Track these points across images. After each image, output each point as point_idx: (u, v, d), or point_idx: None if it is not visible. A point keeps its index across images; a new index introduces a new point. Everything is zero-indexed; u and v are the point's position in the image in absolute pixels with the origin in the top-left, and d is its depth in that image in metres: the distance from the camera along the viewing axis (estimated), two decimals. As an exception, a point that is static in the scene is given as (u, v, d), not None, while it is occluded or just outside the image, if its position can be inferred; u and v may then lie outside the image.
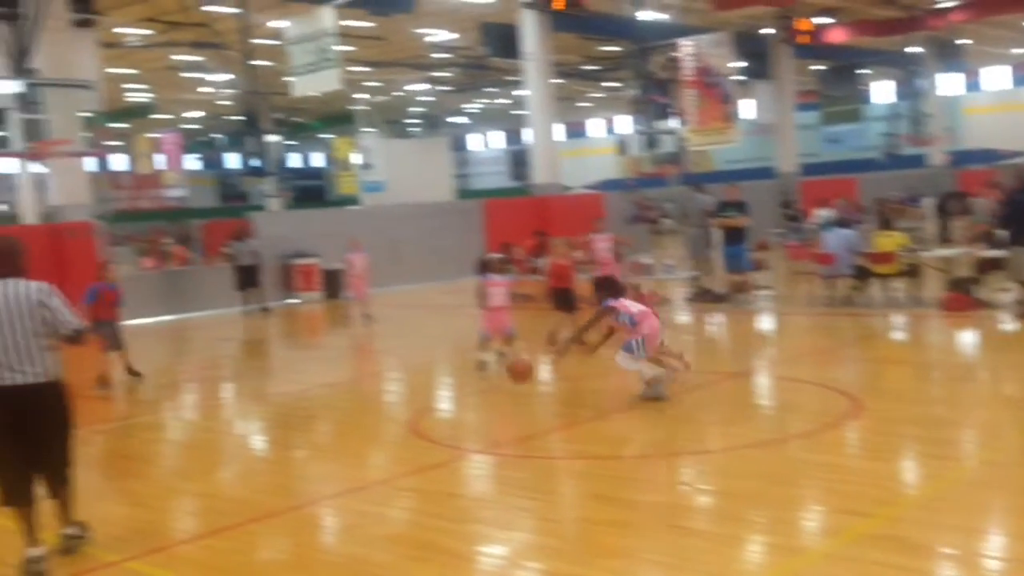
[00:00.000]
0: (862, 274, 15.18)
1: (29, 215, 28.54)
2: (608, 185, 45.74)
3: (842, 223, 16.75)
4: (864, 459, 7.33)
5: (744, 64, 31.84)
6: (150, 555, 5.91)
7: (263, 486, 7.56)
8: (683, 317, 16.58)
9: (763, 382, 10.83)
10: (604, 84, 45.63)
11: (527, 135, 31.40)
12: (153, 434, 10.12)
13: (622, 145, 39.51)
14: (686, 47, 26.94)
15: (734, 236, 16.19)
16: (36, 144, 16.55)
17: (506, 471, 7.54)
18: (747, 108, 35.75)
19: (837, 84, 40.17)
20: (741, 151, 37.20)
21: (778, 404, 9.64)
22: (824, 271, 15.62)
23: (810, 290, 16.49)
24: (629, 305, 9.42)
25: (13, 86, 16.58)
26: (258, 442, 9.70)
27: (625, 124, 48.85)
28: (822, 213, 21.54)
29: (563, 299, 13.08)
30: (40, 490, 5.78)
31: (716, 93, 26.26)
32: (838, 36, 35.03)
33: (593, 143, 59.54)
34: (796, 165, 35.41)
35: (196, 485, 7.77)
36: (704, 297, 16.99)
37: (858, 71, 40.58)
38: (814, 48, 34.51)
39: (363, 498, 6.95)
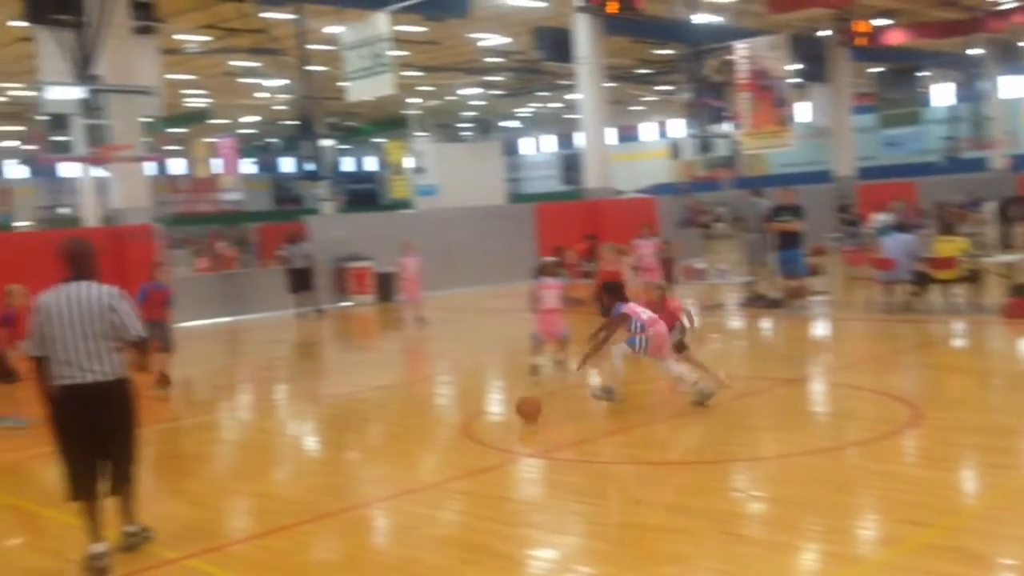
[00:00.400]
0: (922, 280, 14.90)
1: (91, 218, 29.22)
2: (660, 189, 45.44)
3: (901, 228, 16.46)
4: (923, 468, 7.19)
5: (800, 67, 31.45)
6: (207, 553, 6.00)
7: (317, 487, 7.63)
8: (737, 322, 16.43)
9: (819, 388, 10.68)
10: (657, 88, 45.39)
11: (579, 139, 31.35)
12: (209, 434, 10.27)
13: (675, 149, 39.21)
14: (741, 50, 26.71)
15: (790, 241, 15.99)
16: (99, 149, 16.89)
17: (558, 475, 7.52)
18: (803, 111, 35.30)
19: (896, 87, 39.49)
20: (796, 155, 36.76)
21: (834, 411, 9.50)
22: (883, 276, 15.37)
23: (868, 296, 16.23)
24: (640, 312, 9.40)
25: (77, 92, 16.93)
26: (312, 443, 9.79)
27: (678, 128, 48.56)
28: (880, 217, 21.20)
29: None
30: (104, 487, 5.89)
31: (771, 96, 25.98)
32: (897, 38, 34.45)
33: (645, 147, 59.24)
34: (853, 169, 34.88)
35: (251, 485, 7.87)
36: (758, 302, 16.81)
37: (917, 73, 39.87)
38: (872, 50, 33.98)
39: (415, 500, 6.98)
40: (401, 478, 7.70)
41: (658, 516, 6.18)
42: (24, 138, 47.49)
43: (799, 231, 15.99)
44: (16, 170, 52.77)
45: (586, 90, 25.67)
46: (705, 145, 29.82)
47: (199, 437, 10.02)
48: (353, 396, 11.54)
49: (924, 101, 45.32)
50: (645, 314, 9.36)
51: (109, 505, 5.98)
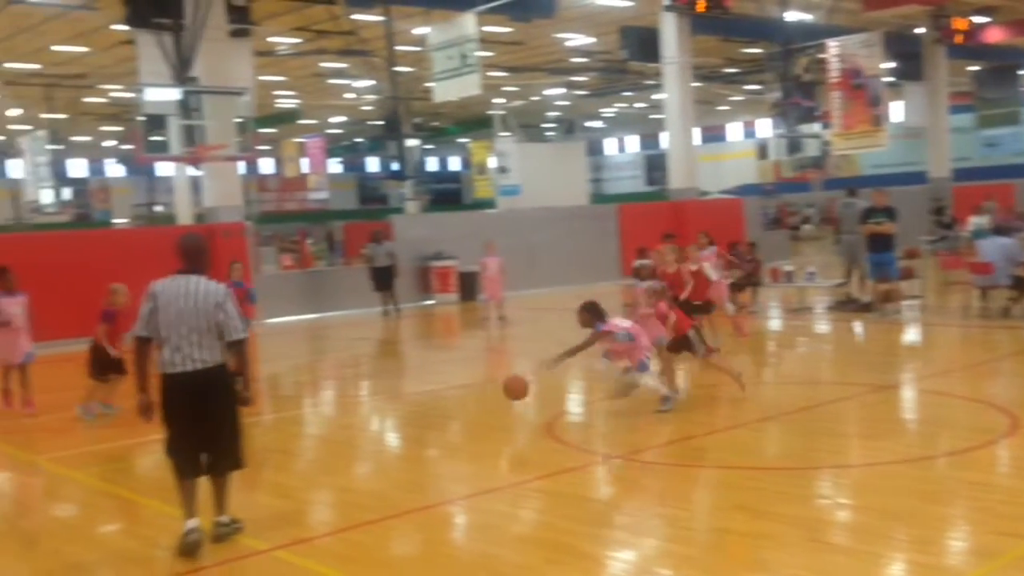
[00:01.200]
0: (1021, 285, 14.38)
1: (184, 216, 30.10)
2: (746, 190, 44.83)
3: (1000, 231, 15.90)
4: (1022, 479, 6.94)
5: (894, 65, 30.64)
6: (295, 545, 6.11)
7: (399, 483, 7.72)
8: (825, 327, 16.09)
9: (910, 396, 10.39)
10: (744, 87, 44.73)
11: (664, 139, 31.07)
12: (296, 428, 10.48)
13: (762, 149, 38.59)
14: (833, 48, 26.16)
15: (882, 243, 15.58)
16: (194, 148, 17.37)
17: (641, 477, 7.47)
18: (896, 111, 34.38)
19: (994, 85, 38.14)
20: (889, 155, 35.83)
21: (927, 419, 9.23)
22: (979, 281, 14.88)
23: (963, 301, 15.73)
24: (620, 323, 9.38)
25: (174, 94, 17.44)
26: (394, 440, 9.91)
27: (765, 128, 47.78)
28: (977, 220, 20.53)
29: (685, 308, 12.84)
30: (204, 470, 6.16)
31: (864, 95, 25.38)
32: (996, 35, 33.26)
33: (731, 147, 58.42)
34: (949, 170, 33.85)
35: (336, 479, 8.00)
36: (848, 306, 16.43)
37: (1018, 72, 38.45)
38: (970, 48, 32.88)
39: (497, 499, 7.01)
40: (483, 476, 7.74)
41: (742, 521, 6.09)
42: (122, 138, 49.19)
43: (892, 233, 15.57)
44: (114, 169, 54.58)
45: (672, 90, 25.44)
46: (794, 145, 29.27)
47: (285, 432, 10.21)
48: (435, 394, 11.64)
49: (1024, 100, 43.74)
50: (626, 323, 9.43)
51: (205, 493, 6.17)
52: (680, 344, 10.06)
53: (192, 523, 5.99)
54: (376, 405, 11.81)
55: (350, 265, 25.75)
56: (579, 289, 21.94)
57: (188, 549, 5.90)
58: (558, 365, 9.57)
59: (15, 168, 44.24)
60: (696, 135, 27.71)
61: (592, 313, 9.48)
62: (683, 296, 12.71)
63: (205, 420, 6.03)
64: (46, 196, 37.30)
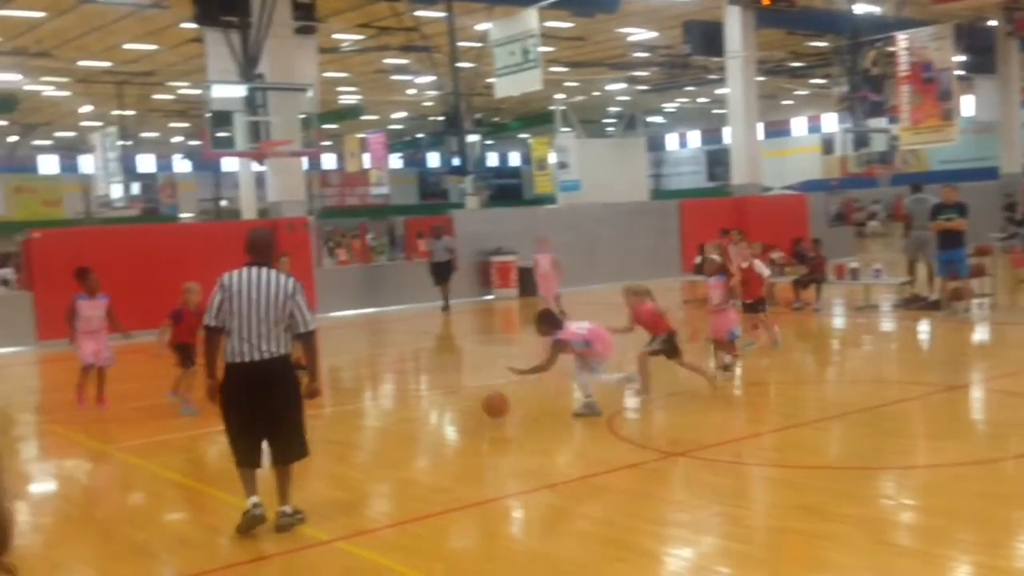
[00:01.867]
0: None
1: (248, 210, 30.57)
2: (810, 186, 44.12)
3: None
4: (1098, 485, 6.74)
5: (965, 58, 29.90)
6: (357, 537, 6.18)
7: (460, 476, 7.76)
8: (891, 325, 15.80)
9: (980, 396, 10.15)
10: (810, 81, 44.03)
11: (726, 134, 30.73)
12: (357, 421, 10.59)
13: (827, 144, 37.96)
14: (902, 41, 25.62)
15: (951, 240, 15.23)
16: (259, 144, 17.63)
17: (703, 475, 7.41)
18: (967, 105, 33.55)
19: (1071, 79, 36.99)
20: (959, 150, 34.98)
21: (996, 420, 9.01)
22: (1052, 279, 14.47)
23: (1036, 300, 15.33)
24: (576, 330, 9.30)
25: (240, 90, 17.72)
26: (454, 433, 9.96)
27: (831, 122, 46.97)
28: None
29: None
30: (268, 458, 6.33)
31: (934, 89, 24.82)
32: (1072, 27, 32.27)
33: (795, 142, 57.55)
34: (1021, 165, 32.94)
35: (396, 472, 8.07)
36: (916, 304, 16.10)
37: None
38: (1044, 41, 31.95)
39: (557, 494, 7.01)
40: (543, 471, 7.74)
41: (806, 521, 6.01)
42: (189, 134, 50.16)
43: (962, 230, 15.22)
44: (181, 164, 55.66)
45: (736, 84, 25.16)
46: (861, 140, 28.73)
47: (346, 424, 10.32)
48: (494, 388, 11.65)
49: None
50: (583, 330, 9.35)
51: (269, 484, 6.28)
52: (653, 339, 9.98)
53: (255, 499, 6.19)
54: (435, 399, 11.89)
55: (411, 260, 25.95)
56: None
57: (250, 523, 6.13)
58: (525, 376, 9.68)
59: (87, 163, 45.36)
60: (759, 130, 27.36)
61: (548, 323, 9.37)
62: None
63: (269, 410, 6.16)
64: (116, 191, 38.17)
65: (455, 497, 7.01)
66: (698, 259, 17.84)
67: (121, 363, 12.38)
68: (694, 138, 64.13)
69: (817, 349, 14.55)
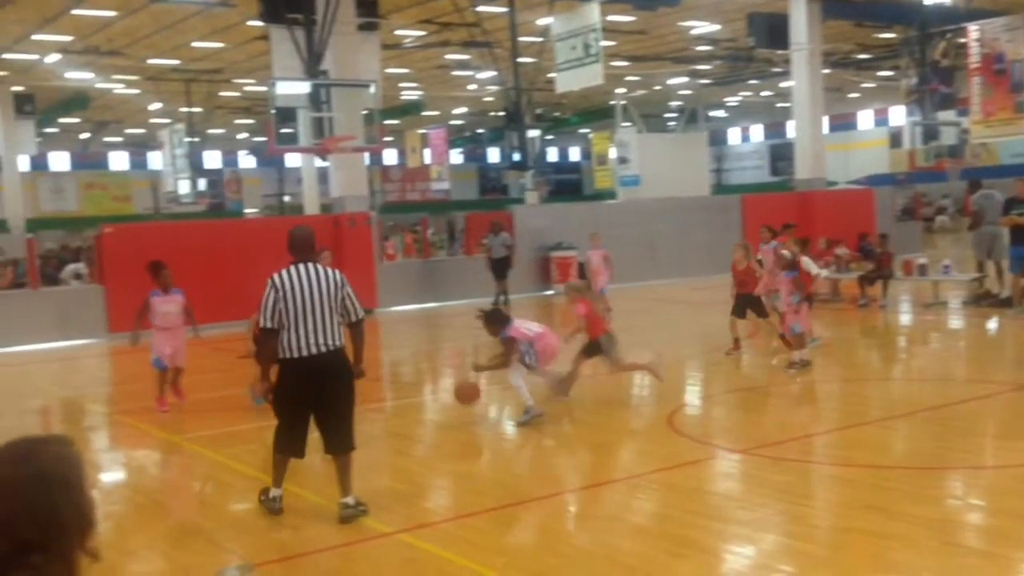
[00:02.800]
0: None
1: (311, 206, 30.99)
2: (877, 180, 43.29)
3: None
4: None
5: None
6: (418, 529, 6.25)
7: (519, 471, 7.80)
8: (960, 322, 15.45)
9: (1054, 396, 9.88)
10: (877, 73, 43.18)
11: (790, 128, 30.29)
12: (417, 415, 10.68)
13: (895, 137, 37.18)
14: (974, 32, 24.98)
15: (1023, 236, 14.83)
16: (323, 140, 17.85)
17: (765, 472, 7.33)
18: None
19: None
20: (1032, 144, 34.04)
21: (1072, 421, 8.76)
22: None
23: (1112, 297, 14.85)
24: (524, 330, 9.25)
25: (304, 87, 17.96)
26: (513, 428, 9.97)
27: (899, 115, 46.01)
28: None
29: (745, 305, 12.55)
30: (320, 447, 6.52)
31: (1006, 81, 24.17)
32: None
33: (862, 136, 56.49)
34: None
35: (457, 466, 8.13)
36: (986, 301, 15.72)
37: None
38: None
39: (616, 490, 7.00)
40: (603, 467, 7.74)
41: (871, 521, 5.91)
42: (253, 130, 50.95)
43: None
44: (246, 160, 56.56)
45: (801, 77, 24.80)
46: (930, 133, 28.13)
47: (406, 418, 10.42)
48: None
49: None
50: (531, 330, 9.29)
51: (331, 474, 6.39)
52: (592, 349, 9.80)
53: (278, 491, 6.52)
54: (494, 393, 11.92)
55: (470, 255, 26.06)
56: (700, 281, 21.71)
57: (270, 511, 6.50)
58: (480, 374, 9.79)
59: (155, 160, 46.35)
60: (825, 123, 26.94)
61: (494, 321, 9.35)
62: (757, 292, 12.43)
63: (329, 402, 6.32)
64: (183, 187, 38.92)
65: (515, 491, 7.04)
66: (758, 255, 17.61)
67: (188, 356, 12.65)
68: (757, 132, 63.29)
69: (883, 346, 14.29)
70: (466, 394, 9.37)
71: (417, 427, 10.08)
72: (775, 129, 57.05)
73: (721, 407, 10.16)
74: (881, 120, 55.17)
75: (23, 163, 38.18)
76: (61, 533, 2.20)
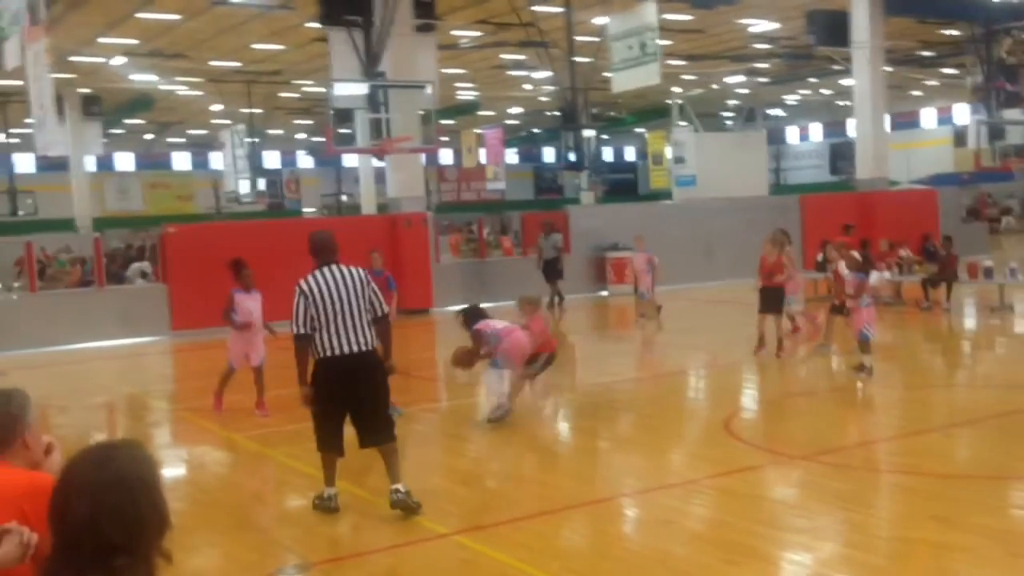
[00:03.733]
0: None
1: (368, 205, 31.24)
2: (940, 180, 42.40)
3: None
4: None
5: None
6: (474, 531, 6.27)
7: (574, 474, 7.78)
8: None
9: None
10: (941, 71, 42.30)
11: (851, 127, 29.79)
12: (472, 416, 10.68)
13: (959, 136, 36.38)
14: (1041, 28, 24.36)
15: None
16: (380, 141, 17.98)
17: (824, 479, 7.22)
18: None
19: None
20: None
21: None
22: None
23: None
24: (495, 324, 9.43)
25: (361, 88, 18.11)
26: (568, 431, 9.97)
27: (963, 114, 45.00)
28: None
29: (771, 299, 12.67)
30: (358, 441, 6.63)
31: (1076, 78, 23.53)
32: None
33: (925, 134, 55.37)
34: None
35: (511, 467, 8.14)
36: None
37: None
38: None
39: (673, 495, 6.95)
40: (658, 471, 7.69)
41: (934, 531, 5.80)
42: (311, 131, 51.51)
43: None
44: (304, 160, 57.23)
45: (862, 75, 24.37)
46: (995, 132, 27.48)
47: (461, 418, 10.42)
48: (609, 386, 11.63)
49: None
50: (499, 325, 9.46)
51: (378, 466, 6.46)
52: (534, 360, 9.72)
53: (332, 490, 6.66)
54: (548, 395, 11.91)
55: (526, 255, 26.05)
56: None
57: (327, 512, 6.61)
58: (465, 372, 9.92)
59: (216, 160, 47.12)
60: (887, 122, 26.44)
61: (470, 316, 9.67)
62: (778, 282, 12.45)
63: (365, 398, 6.47)
64: (243, 186, 39.49)
65: (570, 495, 7.03)
66: (820, 256, 17.35)
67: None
68: (816, 131, 62.38)
69: (947, 351, 14.00)
70: (460, 359, 9.68)
71: (472, 428, 10.09)
72: (835, 128, 56.20)
73: (779, 411, 10.03)
74: (945, 118, 54.05)
75: (90, 163, 39.04)
76: (143, 534, 2.25)
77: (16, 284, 23.93)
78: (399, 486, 6.48)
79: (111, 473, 2.26)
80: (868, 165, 24.83)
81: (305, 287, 6.45)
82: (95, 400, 12.71)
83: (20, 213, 43.20)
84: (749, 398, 10.96)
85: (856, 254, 11.52)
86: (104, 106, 35.51)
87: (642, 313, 17.52)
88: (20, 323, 17.21)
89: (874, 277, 12.82)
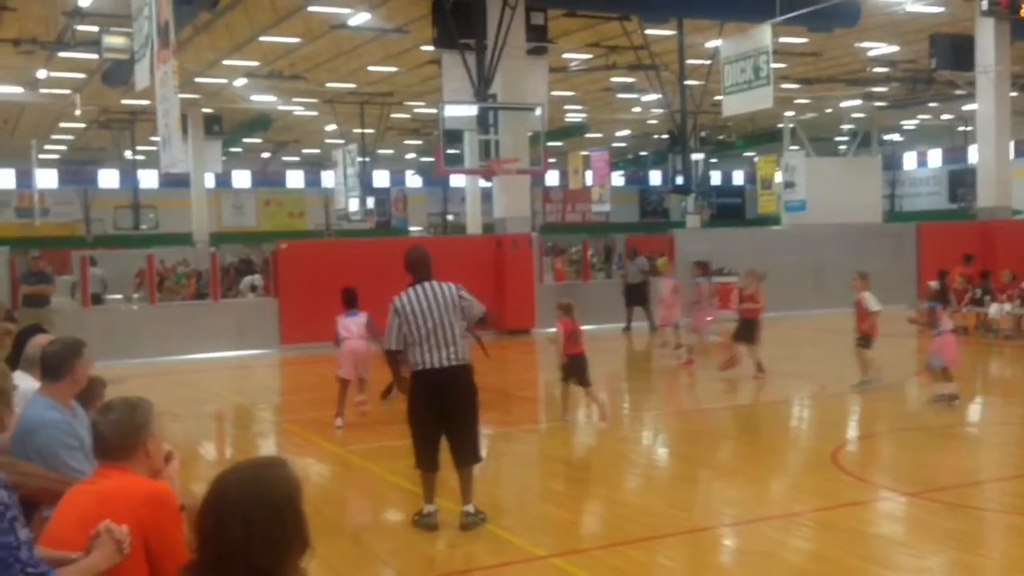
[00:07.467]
0: None
1: (474, 225, 31.58)
2: (1069, 210, 40.46)
3: None
4: None
5: None
6: (572, 555, 6.23)
7: (674, 502, 7.66)
8: None
9: None
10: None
11: (972, 153, 28.75)
12: (572, 438, 10.65)
13: (1090, 165, 34.70)
14: None
15: None
16: (489, 162, 18.16)
17: (934, 517, 6.95)
18: None
19: None
20: None
21: None
22: None
23: None
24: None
25: (471, 110, 18.35)
26: (668, 457, 9.84)
27: (1094, 141, 42.88)
28: None
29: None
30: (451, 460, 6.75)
31: None
32: None
33: (1052, 162, 53.05)
34: None
35: (611, 492, 8.06)
36: None
37: None
38: None
39: (774, 527, 6.78)
40: (761, 502, 7.52)
41: (1054, 579, 5.51)
42: (420, 151, 52.39)
43: None
44: (412, 180, 58.21)
45: (987, 100, 23.53)
46: None
47: (561, 440, 10.39)
48: (711, 413, 11.45)
49: None
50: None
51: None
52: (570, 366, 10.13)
53: (430, 508, 6.70)
54: (649, 421, 11.79)
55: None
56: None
57: (426, 528, 6.65)
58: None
59: (328, 178, 48.34)
60: (1011, 149, 25.44)
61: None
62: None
63: (454, 414, 6.58)
64: (353, 204, 40.41)
65: (669, 522, 6.93)
66: (935, 283, 16.80)
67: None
68: (935, 157, 60.39)
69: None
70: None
71: (572, 450, 10.06)
72: (955, 154, 54.30)
73: (888, 445, 9.70)
74: (1075, 146, 51.66)
75: (209, 180, 40.55)
76: (288, 558, 2.27)
77: (136, 295, 24.97)
78: (469, 507, 6.62)
79: (262, 495, 2.26)
80: (990, 193, 23.91)
81: (398, 304, 6.61)
82: (206, 409, 13.14)
83: (143, 227, 45.18)
84: (857, 430, 10.63)
85: (933, 284, 11.33)
86: (224, 125, 36.89)
87: (677, 344, 16.39)
88: (139, 333, 17.94)
89: (994, 309, 12.41)
